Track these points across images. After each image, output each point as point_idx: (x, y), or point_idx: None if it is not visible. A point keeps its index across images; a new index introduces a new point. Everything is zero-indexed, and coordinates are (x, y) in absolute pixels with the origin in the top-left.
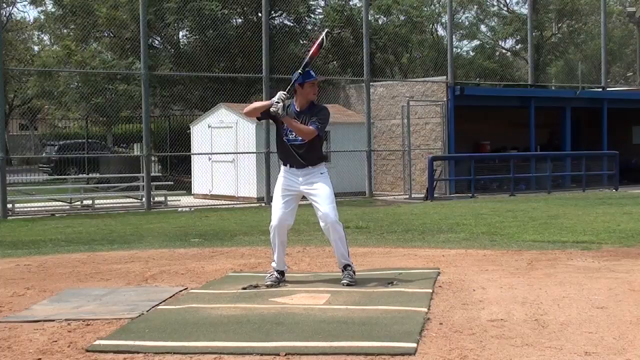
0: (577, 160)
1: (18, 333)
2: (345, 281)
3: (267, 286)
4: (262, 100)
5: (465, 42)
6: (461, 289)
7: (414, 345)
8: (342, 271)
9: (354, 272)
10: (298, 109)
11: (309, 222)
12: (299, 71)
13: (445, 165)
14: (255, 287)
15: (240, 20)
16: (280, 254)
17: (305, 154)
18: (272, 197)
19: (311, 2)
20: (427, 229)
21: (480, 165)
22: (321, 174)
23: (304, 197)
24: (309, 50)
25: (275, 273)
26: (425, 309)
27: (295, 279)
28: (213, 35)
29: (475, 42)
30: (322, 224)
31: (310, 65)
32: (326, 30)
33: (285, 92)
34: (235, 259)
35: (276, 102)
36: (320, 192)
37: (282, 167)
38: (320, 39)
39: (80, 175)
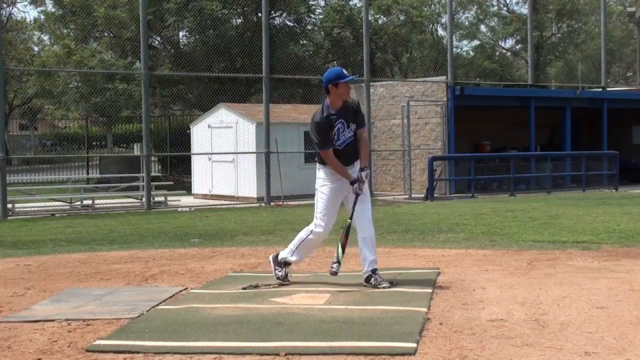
0: (577, 160)
1: (18, 333)
2: (373, 285)
3: (286, 283)
4: (262, 101)
5: (465, 42)
6: (461, 289)
7: (414, 345)
8: (373, 274)
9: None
10: (334, 111)
11: (308, 222)
12: None
13: (445, 165)
14: (255, 287)
15: (240, 20)
16: (305, 258)
17: (355, 151)
18: (272, 197)
19: (311, 2)
20: (427, 229)
21: (480, 165)
22: (362, 172)
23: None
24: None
25: (285, 271)
26: (425, 309)
27: (295, 279)
28: (213, 35)
29: (475, 42)
30: (366, 234)
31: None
32: None
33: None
34: (235, 259)
35: (357, 185)
36: (363, 197)
37: (329, 169)
38: None
39: (80, 175)
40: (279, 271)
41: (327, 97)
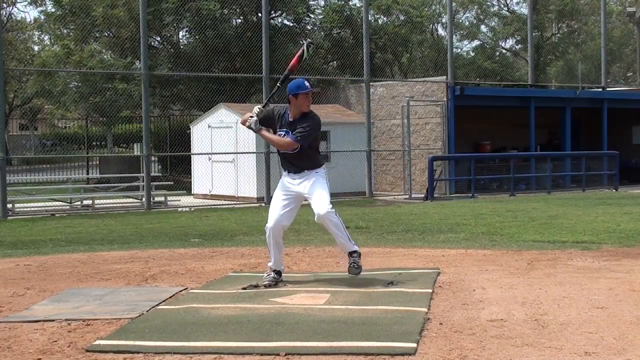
0: (577, 160)
1: (18, 333)
2: (351, 271)
3: (265, 286)
4: (262, 101)
5: (465, 42)
6: (461, 289)
7: (414, 345)
8: (349, 257)
9: (359, 257)
10: (291, 119)
11: (308, 222)
12: (278, 84)
13: (445, 165)
14: (255, 287)
15: (239, 20)
16: (277, 254)
17: (299, 162)
18: (271, 197)
19: (311, 2)
20: (427, 229)
21: (480, 165)
22: (316, 172)
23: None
24: (289, 63)
25: (272, 273)
26: (425, 309)
27: (295, 279)
28: (212, 35)
29: (476, 42)
30: (316, 217)
31: (295, 74)
32: (307, 41)
33: (259, 107)
34: (235, 259)
35: (250, 117)
36: (313, 187)
37: (283, 171)
38: (300, 50)
39: (80, 175)
40: (267, 274)
41: (289, 106)
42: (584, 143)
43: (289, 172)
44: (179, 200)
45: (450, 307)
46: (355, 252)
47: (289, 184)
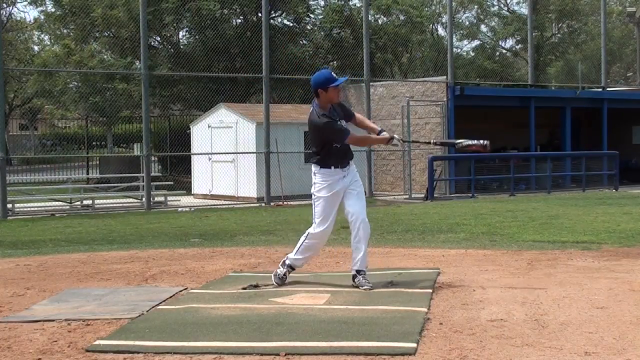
0: (577, 160)
1: (18, 333)
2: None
3: (280, 278)
4: (262, 101)
5: (465, 42)
6: (461, 289)
7: (414, 345)
8: (355, 276)
9: (284, 274)
10: (326, 112)
11: (308, 222)
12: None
13: (445, 165)
14: (255, 287)
15: (239, 20)
16: (310, 257)
17: (350, 153)
18: (272, 197)
19: (311, 2)
20: (427, 229)
21: (480, 165)
22: (355, 170)
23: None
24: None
25: (287, 268)
26: (425, 309)
27: (295, 279)
28: (212, 35)
29: (476, 42)
30: (352, 218)
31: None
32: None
33: (397, 137)
34: (235, 259)
35: (397, 141)
36: (360, 188)
37: (327, 170)
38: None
39: (80, 175)
40: (280, 270)
41: (316, 99)
42: (584, 143)
43: (342, 166)
44: (179, 200)
45: (450, 307)
46: (363, 271)
47: (341, 182)
